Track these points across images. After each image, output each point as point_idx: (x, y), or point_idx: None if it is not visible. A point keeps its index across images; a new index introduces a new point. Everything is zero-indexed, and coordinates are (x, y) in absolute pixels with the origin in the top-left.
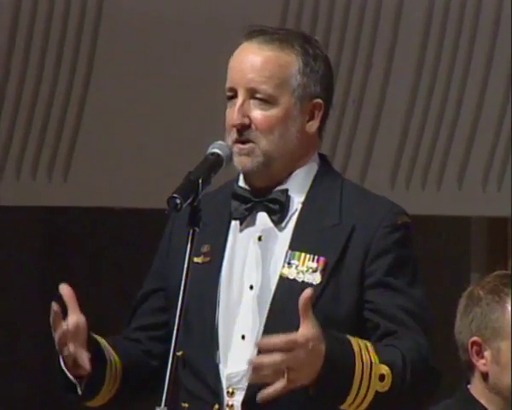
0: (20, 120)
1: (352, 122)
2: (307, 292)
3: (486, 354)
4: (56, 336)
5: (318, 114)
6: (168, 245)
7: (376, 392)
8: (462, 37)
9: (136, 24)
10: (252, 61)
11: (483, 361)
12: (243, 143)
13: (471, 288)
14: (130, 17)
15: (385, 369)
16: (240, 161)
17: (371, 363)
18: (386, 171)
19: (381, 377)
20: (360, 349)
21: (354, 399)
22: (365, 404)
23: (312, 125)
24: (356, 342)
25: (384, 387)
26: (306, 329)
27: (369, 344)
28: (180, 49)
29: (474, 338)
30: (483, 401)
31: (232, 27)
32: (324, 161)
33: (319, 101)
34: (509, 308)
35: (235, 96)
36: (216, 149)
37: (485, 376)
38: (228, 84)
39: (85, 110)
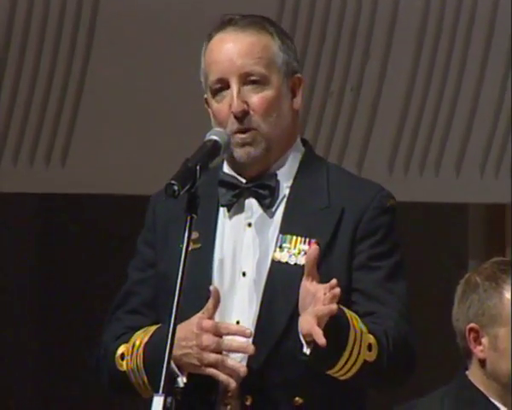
0: (18, 107)
1: (350, 109)
2: (314, 249)
3: (484, 340)
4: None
5: (299, 89)
6: (154, 234)
7: (364, 361)
8: (460, 25)
9: (136, 11)
10: (237, 47)
11: (480, 348)
12: (243, 132)
13: (468, 275)
14: (130, 2)
15: (372, 339)
16: (243, 151)
17: (361, 331)
18: (384, 158)
19: (369, 347)
20: (351, 317)
21: (344, 363)
22: (352, 371)
23: (297, 102)
24: (347, 311)
25: (372, 357)
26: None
27: (356, 315)
28: (178, 42)
29: (472, 325)
30: (481, 388)
31: None
32: (306, 145)
33: (299, 76)
34: (507, 295)
35: (224, 87)
36: (214, 135)
37: (482, 362)
38: (214, 77)
39: (83, 96)
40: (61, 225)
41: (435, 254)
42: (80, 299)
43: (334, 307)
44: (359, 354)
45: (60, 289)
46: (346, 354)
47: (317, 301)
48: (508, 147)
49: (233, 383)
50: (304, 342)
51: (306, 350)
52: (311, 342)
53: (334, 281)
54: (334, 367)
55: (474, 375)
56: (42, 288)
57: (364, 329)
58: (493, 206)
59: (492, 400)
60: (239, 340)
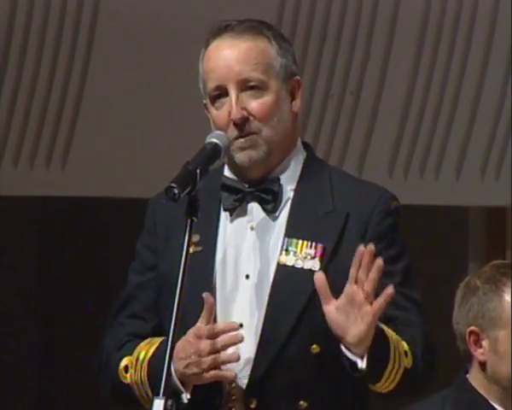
0: (19, 109)
1: (351, 112)
2: (319, 276)
3: (484, 343)
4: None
5: (298, 91)
6: (154, 236)
7: (405, 369)
8: (461, 28)
9: (136, 13)
10: (234, 54)
11: (481, 351)
12: (243, 137)
13: (468, 278)
14: (129, 6)
15: (405, 346)
16: (245, 155)
17: (397, 339)
18: (385, 161)
19: (405, 354)
20: (383, 326)
21: (389, 375)
22: (395, 381)
23: (296, 104)
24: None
25: (409, 363)
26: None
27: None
28: (178, 44)
29: (472, 328)
30: (482, 391)
31: None
32: (308, 148)
33: (297, 78)
34: (506, 297)
35: (223, 94)
36: (214, 138)
37: (483, 365)
38: (213, 84)
39: (83, 99)
40: (61, 228)
41: (435, 258)
42: (80, 301)
43: (390, 290)
44: (400, 362)
45: (60, 292)
46: (391, 360)
47: (360, 304)
48: (508, 149)
49: (232, 374)
50: (356, 359)
51: (362, 364)
52: (363, 356)
53: (361, 248)
54: (379, 381)
55: (475, 378)
56: (42, 290)
57: (396, 337)
58: (494, 208)
59: (493, 403)
60: (231, 334)
